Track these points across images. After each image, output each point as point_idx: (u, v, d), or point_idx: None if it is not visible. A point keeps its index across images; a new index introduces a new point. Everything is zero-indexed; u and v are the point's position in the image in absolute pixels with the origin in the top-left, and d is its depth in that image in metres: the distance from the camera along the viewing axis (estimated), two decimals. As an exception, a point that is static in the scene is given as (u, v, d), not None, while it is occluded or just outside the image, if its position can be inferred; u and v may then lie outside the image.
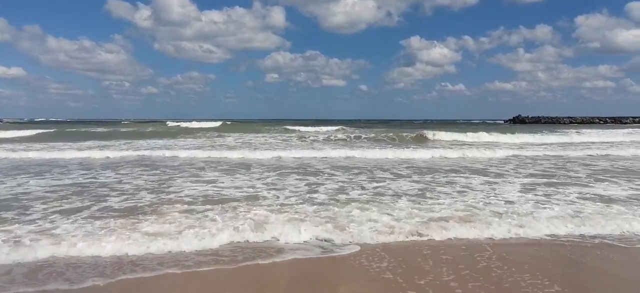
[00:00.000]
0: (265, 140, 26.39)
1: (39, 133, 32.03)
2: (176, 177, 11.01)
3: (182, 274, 4.51)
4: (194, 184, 9.57)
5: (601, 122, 77.32)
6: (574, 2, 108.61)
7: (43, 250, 4.99)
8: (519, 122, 79.59)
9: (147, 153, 17.40)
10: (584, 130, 40.93)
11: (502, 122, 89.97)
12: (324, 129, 40.45)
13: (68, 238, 5.37)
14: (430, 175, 11.21)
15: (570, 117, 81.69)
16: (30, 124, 66.91)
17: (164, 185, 9.50)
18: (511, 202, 7.80)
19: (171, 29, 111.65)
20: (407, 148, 20.00)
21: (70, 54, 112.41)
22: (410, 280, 4.30)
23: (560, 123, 73.55)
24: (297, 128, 40.96)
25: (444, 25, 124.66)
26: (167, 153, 16.99)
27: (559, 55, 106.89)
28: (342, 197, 8.23)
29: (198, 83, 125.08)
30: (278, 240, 5.59)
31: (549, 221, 6.38)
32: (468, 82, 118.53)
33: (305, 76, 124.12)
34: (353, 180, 10.38)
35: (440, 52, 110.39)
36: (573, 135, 32.21)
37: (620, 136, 31.29)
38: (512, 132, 30.72)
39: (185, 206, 7.31)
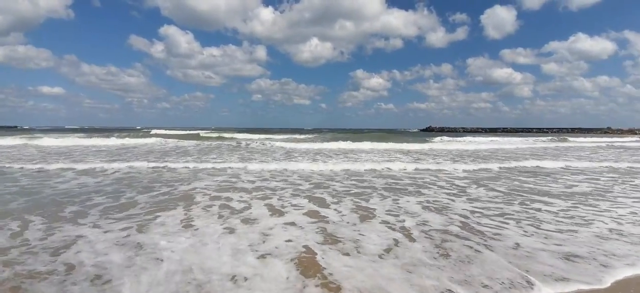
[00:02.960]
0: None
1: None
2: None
3: None
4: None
5: (482, 131, 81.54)
6: (466, 48, 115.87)
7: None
8: (430, 130, 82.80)
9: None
10: (471, 138, 42.50)
11: (418, 130, 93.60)
12: (301, 136, 39.78)
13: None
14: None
15: (463, 127, 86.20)
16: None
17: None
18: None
19: (180, 59, 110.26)
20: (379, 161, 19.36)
21: (99, 76, 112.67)
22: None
23: (456, 131, 77.06)
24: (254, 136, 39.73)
25: (380, 62, 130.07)
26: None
27: (456, 85, 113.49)
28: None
29: (201, 101, 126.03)
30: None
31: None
32: (396, 102, 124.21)
33: (281, 96, 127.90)
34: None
35: (377, 81, 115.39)
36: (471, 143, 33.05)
37: (504, 143, 32.39)
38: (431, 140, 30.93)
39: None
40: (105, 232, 4.90)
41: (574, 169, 12.91)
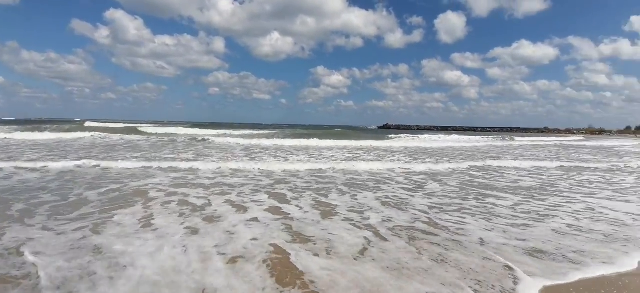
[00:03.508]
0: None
1: None
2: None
3: None
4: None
5: (434, 129, 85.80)
6: (422, 50, 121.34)
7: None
8: (387, 128, 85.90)
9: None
10: (426, 136, 44.53)
11: (376, 127, 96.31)
12: (256, 132, 38.81)
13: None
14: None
15: (418, 125, 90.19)
16: None
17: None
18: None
19: (128, 47, 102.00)
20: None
21: (38, 64, 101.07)
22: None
23: (412, 129, 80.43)
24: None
25: (340, 60, 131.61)
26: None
27: (412, 85, 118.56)
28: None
29: (152, 92, 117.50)
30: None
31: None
32: (355, 100, 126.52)
33: (240, 91, 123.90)
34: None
35: (337, 79, 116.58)
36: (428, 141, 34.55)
37: (453, 141, 34.26)
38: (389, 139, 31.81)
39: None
40: (59, 234, 4.48)
41: (528, 167, 13.89)
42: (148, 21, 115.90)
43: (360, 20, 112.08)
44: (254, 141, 23.72)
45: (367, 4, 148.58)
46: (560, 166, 14.17)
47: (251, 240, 4.44)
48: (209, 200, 6.54)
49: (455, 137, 44.06)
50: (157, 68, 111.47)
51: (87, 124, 43.16)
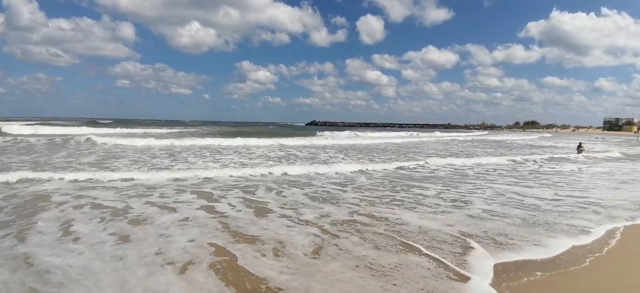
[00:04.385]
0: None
1: None
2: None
3: None
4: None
5: (358, 125, 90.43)
6: (345, 49, 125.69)
7: None
8: (314, 124, 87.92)
9: None
10: (352, 133, 46.46)
11: (303, 124, 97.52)
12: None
13: None
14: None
15: (343, 122, 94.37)
16: None
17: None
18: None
19: (20, 33, 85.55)
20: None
21: None
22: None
23: (337, 125, 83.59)
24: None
25: (266, 55, 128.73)
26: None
27: (337, 83, 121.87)
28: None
29: (44, 84, 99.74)
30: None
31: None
32: (283, 96, 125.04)
33: (155, 84, 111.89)
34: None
35: (263, 74, 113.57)
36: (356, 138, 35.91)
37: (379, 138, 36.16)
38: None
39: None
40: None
41: (446, 162, 15.22)
42: (43, 3, 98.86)
43: (286, 16, 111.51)
44: (176, 141, 21.51)
45: (292, 0, 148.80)
46: (477, 161, 15.84)
47: (189, 241, 4.17)
48: (127, 203, 5.92)
49: (379, 133, 46.66)
50: (51, 56, 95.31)
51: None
